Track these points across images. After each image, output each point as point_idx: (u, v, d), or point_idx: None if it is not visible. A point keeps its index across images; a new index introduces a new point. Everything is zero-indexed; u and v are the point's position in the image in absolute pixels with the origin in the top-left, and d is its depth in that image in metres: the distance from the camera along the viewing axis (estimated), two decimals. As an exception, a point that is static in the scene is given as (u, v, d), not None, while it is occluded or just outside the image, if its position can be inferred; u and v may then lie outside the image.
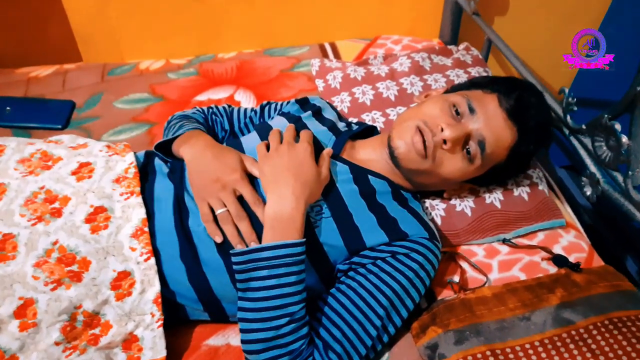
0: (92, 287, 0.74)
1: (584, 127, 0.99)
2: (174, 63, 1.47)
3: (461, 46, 1.42)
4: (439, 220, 0.96)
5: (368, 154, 0.92)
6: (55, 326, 0.71)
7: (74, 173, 0.83)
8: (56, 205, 0.79)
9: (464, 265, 0.93)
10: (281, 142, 0.84)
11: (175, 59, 1.48)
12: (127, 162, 0.86)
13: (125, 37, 1.48)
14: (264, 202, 0.79)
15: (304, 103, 1.04)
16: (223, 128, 1.05)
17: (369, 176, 0.87)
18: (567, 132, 1.05)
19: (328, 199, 0.82)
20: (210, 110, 1.07)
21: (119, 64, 1.46)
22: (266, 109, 1.07)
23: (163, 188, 0.85)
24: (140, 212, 0.80)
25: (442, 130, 0.82)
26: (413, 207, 0.88)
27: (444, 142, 0.83)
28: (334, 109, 1.07)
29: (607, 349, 0.74)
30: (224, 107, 1.08)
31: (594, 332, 0.77)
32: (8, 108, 1.25)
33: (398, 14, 1.57)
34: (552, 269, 0.92)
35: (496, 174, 0.91)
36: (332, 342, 0.74)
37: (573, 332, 0.78)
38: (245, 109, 1.08)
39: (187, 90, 1.35)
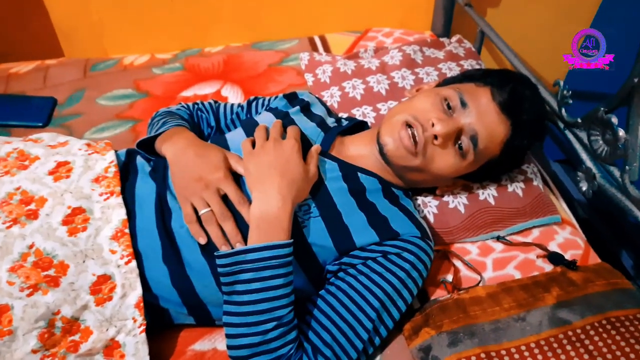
0: (71, 292, 0.71)
1: (579, 120, 0.98)
2: (159, 58, 1.45)
3: (454, 38, 1.41)
4: (431, 218, 0.95)
5: (358, 150, 0.90)
6: (32, 333, 0.69)
7: (51, 173, 0.80)
8: (32, 206, 0.76)
9: (458, 263, 0.91)
10: (267, 138, 0.81)
11: (161, 54, 1.46)
12: (107, 161, 0.84)
13: (109, 31, 1.46)
14: (250, 201, 0.77)
15: (292, 98, 1.01)
16: (209, 124, 1.03)
17: (359, 173, 0.86)
18: (562, 125, 1.04)
19: (316, 197, 0.80)
20: (196, 106, 1.05)
21: (102, 59, 1.44)
22: (253, 104, 1.05)
23: (145, 187, 0.83)
24: (121, 213, 0.78)
25: (432, 125, 0.80)
26: (404, 204, 0.86)
27: (435, 137, 0.81)
28: (324, 104, 1.05)
29: (604, 349, 0.73)
30: (209, 103, 1.06)
31: (591, 332, 0.76)
32: (-13, 105, 1.22)
33: (389, 6, 1.55)
34: (548, 267, 0.90)
35: (490, 169, 0.90)
36: (321, 346, 0.72)
37: (570, 333, 0.76)
38: (232, 105, 1.07)
39: (173, 85, 1.34)
